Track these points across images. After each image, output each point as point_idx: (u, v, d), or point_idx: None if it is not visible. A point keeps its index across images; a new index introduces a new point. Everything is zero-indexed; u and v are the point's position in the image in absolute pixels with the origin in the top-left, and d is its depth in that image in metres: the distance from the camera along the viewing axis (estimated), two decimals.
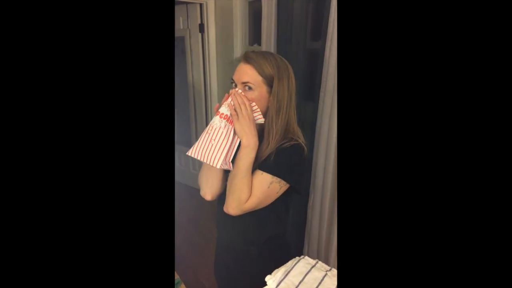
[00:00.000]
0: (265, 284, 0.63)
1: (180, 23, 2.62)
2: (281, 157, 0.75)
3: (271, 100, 0.75)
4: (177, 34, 2.66)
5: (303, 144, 0.77)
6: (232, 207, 0.75)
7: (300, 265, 0.64)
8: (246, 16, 2.33)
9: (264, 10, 1.83)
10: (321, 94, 1.56)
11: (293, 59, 1.84)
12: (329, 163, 1.56)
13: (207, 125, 0.77)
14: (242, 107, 0.72)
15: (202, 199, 0.89)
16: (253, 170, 0.75)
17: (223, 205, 0.81)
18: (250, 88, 0.74)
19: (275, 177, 0.74)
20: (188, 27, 2.56)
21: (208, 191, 0.87)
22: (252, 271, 0.84)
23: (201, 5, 2.40)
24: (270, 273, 0.66)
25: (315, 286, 0.58)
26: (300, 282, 0.59)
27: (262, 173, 0.74)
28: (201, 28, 2.47)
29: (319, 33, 1.67)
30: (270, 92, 0.75)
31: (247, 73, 0.74)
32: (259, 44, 2.12)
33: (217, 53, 2.52)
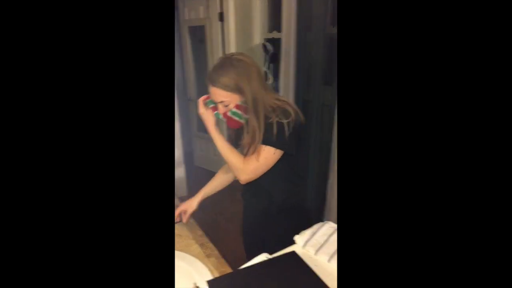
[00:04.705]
0: (287, 241, 0.72)
1: (200, 12, 2.69)
2: (275, 132, 0.87)
3: (246, 99, 0.87)
4: (197, 23, 2.74)
5: (283, 121, 0.86)
6: (238, 176, 0.93)
7: (325, 228, 0.72)
8: (265, 3, 2.37)
9: None
10: None
11: (313, 45, 1.89)
12: None
13: None
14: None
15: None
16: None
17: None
18: (226, 105, 0.88)
19: (275, 148, 0.88)
20: (208, 16, 2.63)
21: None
22: (275, 228, 1.00)
23: None
24: (290, 231, 0.75)
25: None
26: (325, 241, 0.68)
27: (265, 147, 0.88)
28: (221, 16, 2.53)
29: None
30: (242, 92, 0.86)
31: (219, 94, 0.87)
32: (279, 30, 2.17)
33: (236, 41, 2.58)
